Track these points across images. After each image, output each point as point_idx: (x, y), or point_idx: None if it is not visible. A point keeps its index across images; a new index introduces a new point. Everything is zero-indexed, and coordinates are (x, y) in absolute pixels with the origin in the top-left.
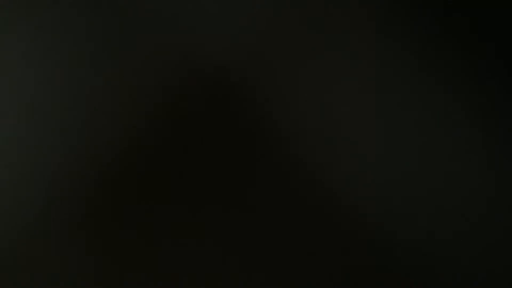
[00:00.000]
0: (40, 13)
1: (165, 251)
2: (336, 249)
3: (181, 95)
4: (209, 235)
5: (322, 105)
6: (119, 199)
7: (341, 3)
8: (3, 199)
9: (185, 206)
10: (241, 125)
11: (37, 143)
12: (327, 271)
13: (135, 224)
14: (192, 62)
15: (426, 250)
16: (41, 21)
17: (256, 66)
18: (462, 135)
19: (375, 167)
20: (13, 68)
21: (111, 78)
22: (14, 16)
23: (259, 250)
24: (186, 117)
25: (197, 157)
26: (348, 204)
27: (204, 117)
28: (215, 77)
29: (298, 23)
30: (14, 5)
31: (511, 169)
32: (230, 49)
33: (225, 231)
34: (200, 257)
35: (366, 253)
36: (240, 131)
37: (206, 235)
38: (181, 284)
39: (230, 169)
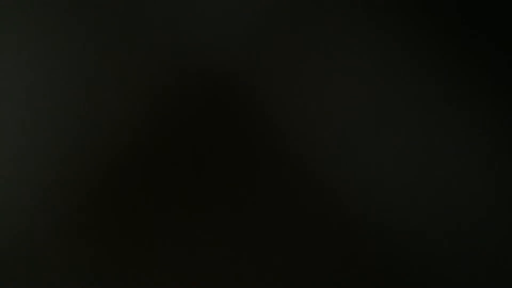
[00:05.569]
0: (40, 13)
1: (165, 253)
2: (337, 249)
3: (181, 96)
4: (208, 235)
5: (323, 106)
6: (120, 199)
7: (341, 3)
8: (3, 199)
9: (185, 206)
10: (241, 126)
11: (37, 143)
12: (328, 271)
13: (136, 225)
14: (192, 62)
15: (426, 250)
16: (41, 21)
17: (256, 66)
18: (462, 134)
19: (375, 166)
20: (13, 68)
21: (111, 78)
22: (14, 16)
23: (259, 249)
24: (186, 118)
25: (197, 158)
26: (349, 205)
27: (204, 117)
28: (215, 78)
29: (297, 23)
30: (14, 5)
31: (511, 169)
32: (230, 49)
33: (225, 231)
34: (200, 258)
35: (366, 253)
36: (240, 132)
37: (206, 236)
38: (182, 285)
39: (230, 170)
